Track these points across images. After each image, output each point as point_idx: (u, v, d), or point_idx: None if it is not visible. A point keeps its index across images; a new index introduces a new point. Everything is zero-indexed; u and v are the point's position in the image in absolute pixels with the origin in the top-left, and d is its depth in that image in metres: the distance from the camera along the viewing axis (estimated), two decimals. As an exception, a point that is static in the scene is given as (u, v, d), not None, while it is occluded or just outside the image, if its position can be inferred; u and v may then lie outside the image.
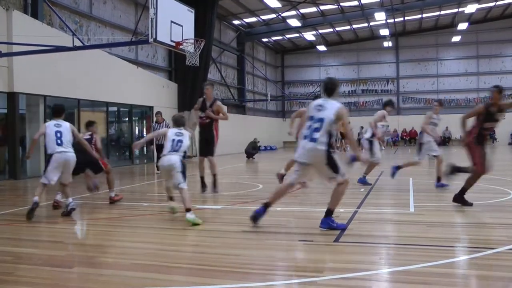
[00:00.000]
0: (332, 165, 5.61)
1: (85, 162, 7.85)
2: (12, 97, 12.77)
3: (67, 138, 7.21)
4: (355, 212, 6.83)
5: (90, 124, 8.69)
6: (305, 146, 5.65)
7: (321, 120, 5.63)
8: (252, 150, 22.04)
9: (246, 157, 21.78)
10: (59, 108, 7.72)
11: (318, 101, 5.93)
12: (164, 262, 4.45)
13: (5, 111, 13.00)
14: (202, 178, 9.33)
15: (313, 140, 5.55)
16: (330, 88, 6.06)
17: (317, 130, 5.58)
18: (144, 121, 20.28)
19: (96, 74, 15.91)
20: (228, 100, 28.71)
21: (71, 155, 7.12)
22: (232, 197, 8.73)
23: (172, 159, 6.51)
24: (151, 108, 19.69)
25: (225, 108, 9.51)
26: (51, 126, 7.29)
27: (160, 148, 14.25)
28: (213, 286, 3.74)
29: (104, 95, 16.60)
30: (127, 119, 19.45)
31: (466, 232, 5.72)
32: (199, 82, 20.95)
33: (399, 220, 6.49)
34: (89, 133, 8.52)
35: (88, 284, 3.88)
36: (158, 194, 10.16)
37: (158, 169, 14.24)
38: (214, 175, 9.13)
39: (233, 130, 26.84)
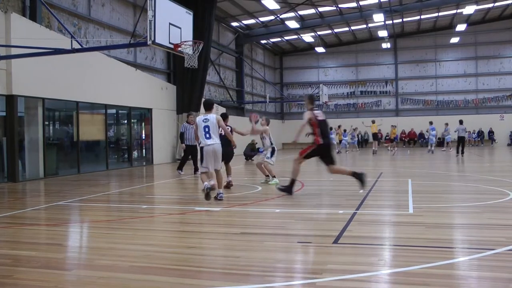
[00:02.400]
0: None
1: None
2: (10, 99, 12.76)
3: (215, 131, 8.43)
4: (354, 213, 6.83)
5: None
6: None
7: None
8: (251, 152, 22.05)
9: (245, 159, 21.80)
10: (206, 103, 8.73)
11: None
12: (163, 265, 4.45)
13: (4, 113, 13.00)
14: None
15: None
16: None
17: None
18: (143, 123, 20.30)
19: (94, 77, 15.91)
20: (226, 102, 28.72)
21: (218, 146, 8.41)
22: (230, 199, 8.72)
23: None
24: (149, 110, 19.70)
25: None
26: (200, 121, 8.45)
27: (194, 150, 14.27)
28: (212, 288, 3.74)
29: (103, 97, 16.60)
30: (126, 121, 19.45)
31: (465, 233, 5.72)
32: (197, 84, 20.98)
33: (398, 222, 6.48)
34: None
35: (87, 287, 3.87)
36: (157, 196, 10.15)
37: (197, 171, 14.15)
38: None
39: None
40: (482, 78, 35.18)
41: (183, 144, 14.30)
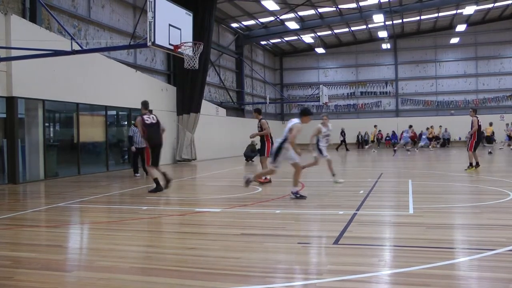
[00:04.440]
0: None
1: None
2: (11, 101, 12.77)
3: None
4: (354, 214, 6.83)
5: None
6: None
7: None
8: (251, 153, 22.02)
9: (245, 160, 21.79)
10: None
11: None
12: (164, 266, 4.45)
13: (4, 115, 13.00)
14: None
15: None
16: None
17: None
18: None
19: (94, 78, 15.92)
20: (227, 103, 28.72)
21: None
22: (231, 200, 8.72)
23: None
24: (150, 111, 19.67)
25: None
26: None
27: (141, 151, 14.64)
28: (213, 289, 3.74)
29: (103, 99, 16.61)
30: (126, 122, 19.44)
31: (466, 234, 5.72)
32: (197, 85, 20.98)
33: (398, 222, 6.48)
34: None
35: (87, 288, 3.87)
36: (157, 197, 10.14)
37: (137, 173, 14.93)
38: None
39: (232, 133, 26.85)
40: (482, 79, 35.16)
41: (133, 147, 14.56)
